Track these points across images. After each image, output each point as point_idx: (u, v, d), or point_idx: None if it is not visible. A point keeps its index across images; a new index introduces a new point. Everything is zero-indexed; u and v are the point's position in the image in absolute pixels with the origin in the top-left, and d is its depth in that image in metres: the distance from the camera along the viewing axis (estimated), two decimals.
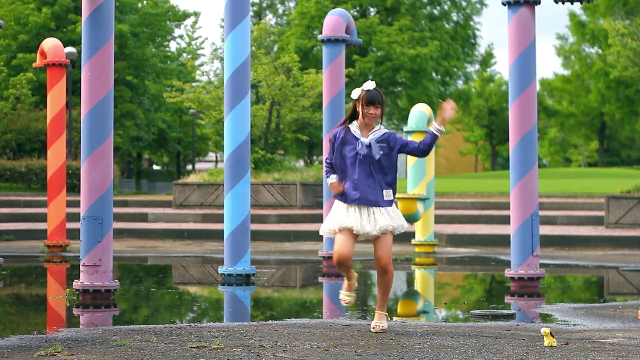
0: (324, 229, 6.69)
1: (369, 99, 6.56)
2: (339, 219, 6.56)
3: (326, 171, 6.78)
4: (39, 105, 34.43)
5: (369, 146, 6.54)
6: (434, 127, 6.68)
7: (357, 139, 6.57)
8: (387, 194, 6.56)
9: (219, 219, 19.62)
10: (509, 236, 10.60)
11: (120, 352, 5.72)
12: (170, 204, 22.67)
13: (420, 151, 6.67)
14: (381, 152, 6.55)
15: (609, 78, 49.20)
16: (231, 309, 9.09)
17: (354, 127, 6.63)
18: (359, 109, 6.60)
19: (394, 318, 7.95)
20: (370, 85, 6.61)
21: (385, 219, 6.52)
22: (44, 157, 25.99)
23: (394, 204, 6.63)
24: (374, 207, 6.53)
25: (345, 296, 6.85)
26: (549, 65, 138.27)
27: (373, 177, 6.54)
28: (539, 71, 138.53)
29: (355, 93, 6.63)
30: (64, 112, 15.51)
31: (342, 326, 7.03)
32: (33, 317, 8.36)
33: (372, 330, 6.66)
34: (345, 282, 6.87)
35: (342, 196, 6.58)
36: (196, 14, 50.97)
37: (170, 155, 60.17)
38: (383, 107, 6.63)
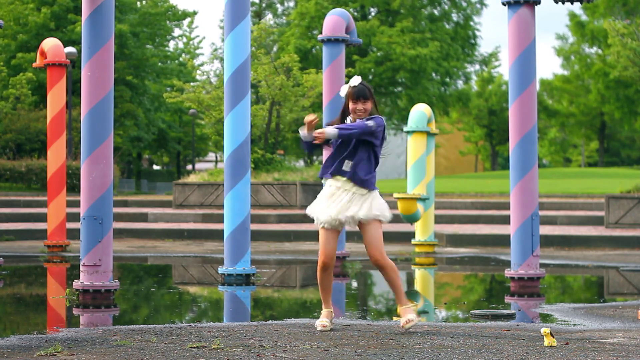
0: (311, 212, 6.70)
1: (356, 95, 6.52)
2: (319, 210, 6.59)
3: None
4: (39, 105, 34.44)
5: None
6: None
7: None
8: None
9: (219, 219, 19.62)
10: (509, 236, 10.59)
11: (120, 352, 5.72)
12: (170, 204, 22.67)
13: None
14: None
15: (609, 78, 49.25)
16: (231, 309, 9.08)
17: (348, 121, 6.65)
18: (349, 106, 6.60)
19: (394, 318, 7.95)
20: (355, 81, 6.54)
21: (357, 207, 6.50)
22: (44, 157, 25.99)
23: (377, 192, 6.61)
24: (354, 190, 6.50)
25: (324, 322, 6.68)
26: (548, 65, 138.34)
27: (356, 156, 6.52)
28: (539, 71, 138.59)
29: (343, 90, 6.63)
30: (64, 112, 15.51)
31: (342, 326, 7.03)
32: (33, 317, 8.36)
33: (403, 327, 6.54)
34: (325, 311, 6.77)
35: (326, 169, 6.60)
36: (194, 13, 50.94)
37: (170, 155, 60.19)
38: (373, 99, 6.57)
